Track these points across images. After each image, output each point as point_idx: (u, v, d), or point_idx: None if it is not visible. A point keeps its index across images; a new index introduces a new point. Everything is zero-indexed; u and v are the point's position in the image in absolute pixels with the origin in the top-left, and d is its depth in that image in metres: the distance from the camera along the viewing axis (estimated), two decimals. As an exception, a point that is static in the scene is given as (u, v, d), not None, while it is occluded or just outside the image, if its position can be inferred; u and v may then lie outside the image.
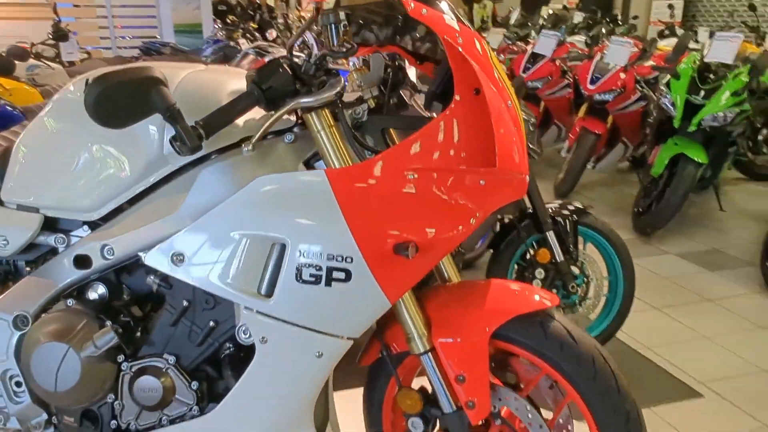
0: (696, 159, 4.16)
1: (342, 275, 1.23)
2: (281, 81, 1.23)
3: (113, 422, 1.40)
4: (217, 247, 1.26)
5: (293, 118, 1.38)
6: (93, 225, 1.41)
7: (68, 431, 1.43)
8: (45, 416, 1.43)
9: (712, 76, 4.27)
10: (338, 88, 1.24)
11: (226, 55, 7.97)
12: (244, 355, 1.38)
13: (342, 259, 1.22)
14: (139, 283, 1.42)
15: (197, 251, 1.27)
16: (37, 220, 1.40)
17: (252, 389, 1.31)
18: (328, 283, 1.23)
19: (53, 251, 1.43)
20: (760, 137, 5.56)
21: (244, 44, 7.79)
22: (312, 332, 1.27)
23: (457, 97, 1.25)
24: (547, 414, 1.44)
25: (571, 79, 5.49)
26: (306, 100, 1.23)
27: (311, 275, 1.23)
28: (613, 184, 5.92)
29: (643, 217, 4.40)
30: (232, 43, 8.15)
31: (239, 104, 1.22)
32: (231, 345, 1.38)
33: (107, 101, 1.12)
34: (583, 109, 5.07)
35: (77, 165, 1.37)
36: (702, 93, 4.18)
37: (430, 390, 1.44)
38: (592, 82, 4.96)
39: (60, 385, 1.33)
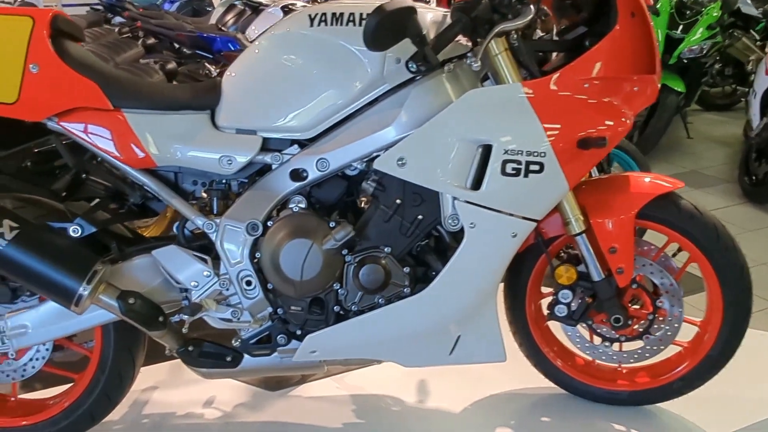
0: (676, 88, 4.61)
1: (537, 167, 1.53)
2: (484, 11, 1.50)
3: (336, 307, 1.67)
4: (434, 151, 1.53)
5: (469, 44, 1.64)
6: (301, 143, 1.64)
7: (293, 318, 1.68)
8: (270, 309, 1.68)
9: (687, 12, 4.71)
10: (531, 15, 1.52)
11: (195, 10, 7.89)
12: (443, 244, 1.67)
13: (537, 155, 1.52)
14: (339, 190, 1.68)
15: (417, 155, 1.53)
16: (258, 141, 1.61)
17: (460, 268, 1.60)
18: (525, 175, 1.53)
19: (264, 168, 1.66)
20: (714, 71, 6.10)
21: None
22: (510, 216, 1.56)
23: (618, 20, 1.55)
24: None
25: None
26: (507, 26, 1.50)
27: (513, 169, 1.53)
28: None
29: (628, 145, 4.85)
30: (200, -3, 8.06)
31: (452, 30, 1.48)
32: (432, 236, 1.67)
33: (381, 29, 1.37)
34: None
35: (295, 91, 1.59)
36: (680, 28, 4.62)
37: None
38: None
39: (305, 275, 1.59)
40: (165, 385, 2.17)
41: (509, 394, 2.07)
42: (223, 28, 6.02)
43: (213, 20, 6.27)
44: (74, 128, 1.60)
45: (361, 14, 1.55)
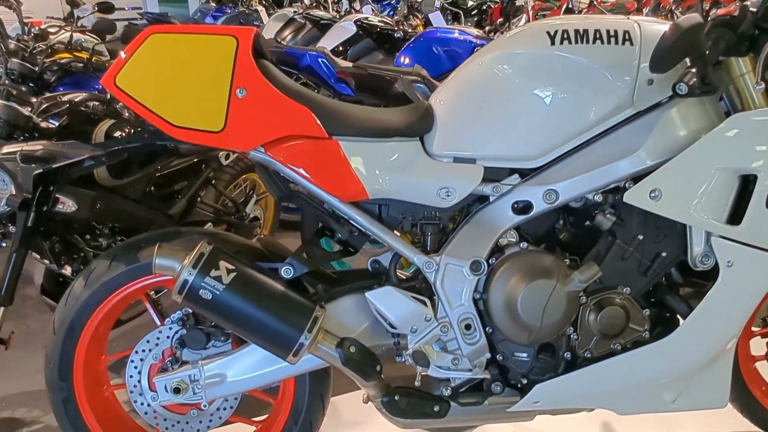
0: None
1: (808, 201, 1.37)
2: (748, 26, 1.35)
3: (567, 353, 1.51)
4: (692, 182, 1.38)
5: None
6: (522, 173, 1.49)
7: (515, 366, 1.53)
8: (488, 355, 1.52)
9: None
10: None
11: (241, 23, 7.79)
12: (673, 282, 1.52)
13: None
14: (550, 222, 1.53)
15: (674, 187, 1.38)
16: (480, 171, 1.46)
17: (711, 310, 1.44)
18: (793, 209, 1.37)
19: (479, 200, 1.51)
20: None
21: (262, 11, 7.63)
22: (771, 254, 1.41)
23: None
24: None
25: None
26: None
27: (780, 202, 1.37)
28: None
29: None
30: (246, 11, 7.97)
31: (717, 48, 1.33)
32: (674, 274, 1.51)
33: (675, 48, 1.22)
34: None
35: (527, 116, 1.44)
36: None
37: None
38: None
39: (546, 319, 1.43)
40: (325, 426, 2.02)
41: (710, 439, 1.91)
42: (282, 42, 5.89)
43: (267, 35, 6.13)
44: (283, 159, 1.45)
45: (608, 30, 1.40)
